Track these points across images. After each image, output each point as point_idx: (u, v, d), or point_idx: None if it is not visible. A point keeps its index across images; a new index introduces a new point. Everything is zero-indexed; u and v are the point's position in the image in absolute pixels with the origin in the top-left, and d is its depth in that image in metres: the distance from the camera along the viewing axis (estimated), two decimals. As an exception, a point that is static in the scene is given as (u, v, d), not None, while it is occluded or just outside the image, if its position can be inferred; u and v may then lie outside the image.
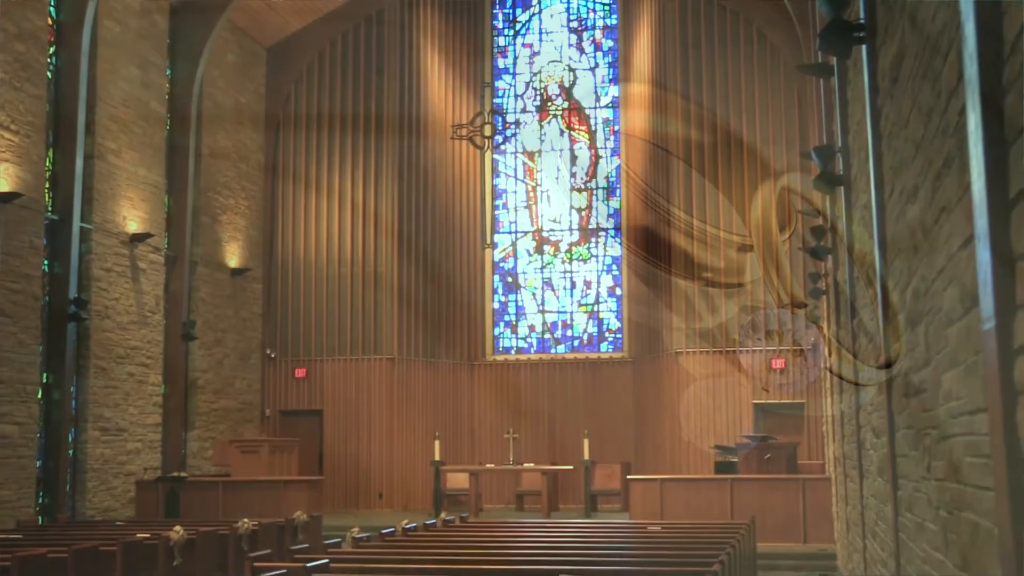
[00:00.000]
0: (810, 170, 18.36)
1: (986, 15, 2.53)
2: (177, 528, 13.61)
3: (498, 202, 29.99)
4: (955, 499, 3.87)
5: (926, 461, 4.79)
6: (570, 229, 29.54)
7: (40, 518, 19.56)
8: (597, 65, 30.00)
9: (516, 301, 29.54)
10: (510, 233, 29.84)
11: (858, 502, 10.73)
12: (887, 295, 6.42)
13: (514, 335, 29.40)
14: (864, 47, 7.02)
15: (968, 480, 3.53)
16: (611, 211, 29.36)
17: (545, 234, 29.62)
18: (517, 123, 30.04)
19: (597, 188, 29.56)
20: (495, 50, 30.43)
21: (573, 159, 29.78)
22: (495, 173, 30.10)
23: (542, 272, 29.53)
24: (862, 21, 6.98)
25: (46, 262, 20.32)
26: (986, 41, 2.53)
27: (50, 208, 20.55)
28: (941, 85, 3.75)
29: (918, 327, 4.88)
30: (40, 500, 19.98)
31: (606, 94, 29.80)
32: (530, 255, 29.67)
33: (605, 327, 29.05)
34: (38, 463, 19.85)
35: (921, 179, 4.48)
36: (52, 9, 20.87)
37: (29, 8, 19.73)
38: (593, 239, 29.41)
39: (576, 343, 29.08)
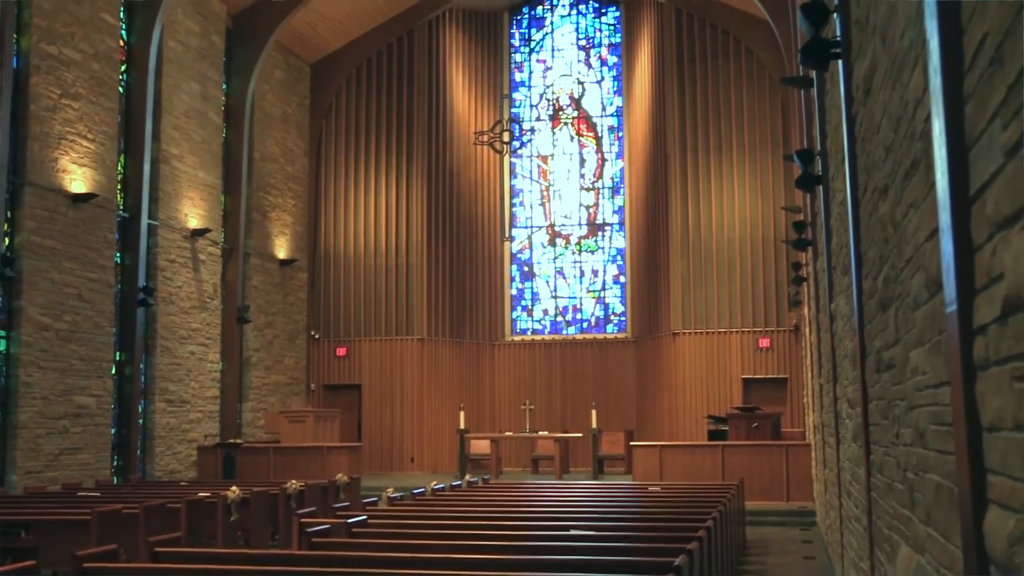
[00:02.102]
0: (793, 171, 18.33)
1: (949, 33, 2.53)
2: (234, 488, 13.67)
3: (515, 200, 29.99)
4: (920, 462, 3.87)
5: (895, 429, 4.78)
6: (579, 224, 29.52)
7: (115, 478, 19.73)
8: (603, 79, 29.94)
9: (531, 288, 29.55)
10: (526, 227, 29.84)
11: (835, 465, 10.72)
12: (861, 282, 6.41)
13: (530, 318, 29.42)
14: (840, 62, 6.99)
15: (932, 445, 3.53)
16: (616, 208, 29.31)
17: (557, 228, 29.60)
18: (532, 130, 30.02)
19: (603, 187, 29.52)
20: (512, 65, 30.39)
21: (582, 162, 29.74)
22: (512, 174, 30.09)
23: (554, 262, 29.53)
24: (838, 39, 6.95)
25: (118, 254, 20.44)
26: (949, 56, 2.52)
27: (121, 207, 20.66)
28: (908, 95, 3.74)
29: (888, 310, 4.87)
30: (115, 463, 20.15)
31: (611, 104, 29.74)
32: (544, 247, 29.66)
33: (611, 311, 29.03)
34: (113, 431, 20.01)
35: (891, 179, 4.46)
36: (123, 32, 20.95)
37: (104, 32, 19.82)
38: (600, 233, 29.38)
39: (585, 325, 29.08)
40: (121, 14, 20.78)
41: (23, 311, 17.52)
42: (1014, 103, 1.99)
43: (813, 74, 11.17)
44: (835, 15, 7.16)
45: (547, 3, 30.31)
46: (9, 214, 17.55)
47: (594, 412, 24.61)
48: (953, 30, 2.52)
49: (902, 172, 4.04)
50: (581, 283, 29.30)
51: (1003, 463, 2.20)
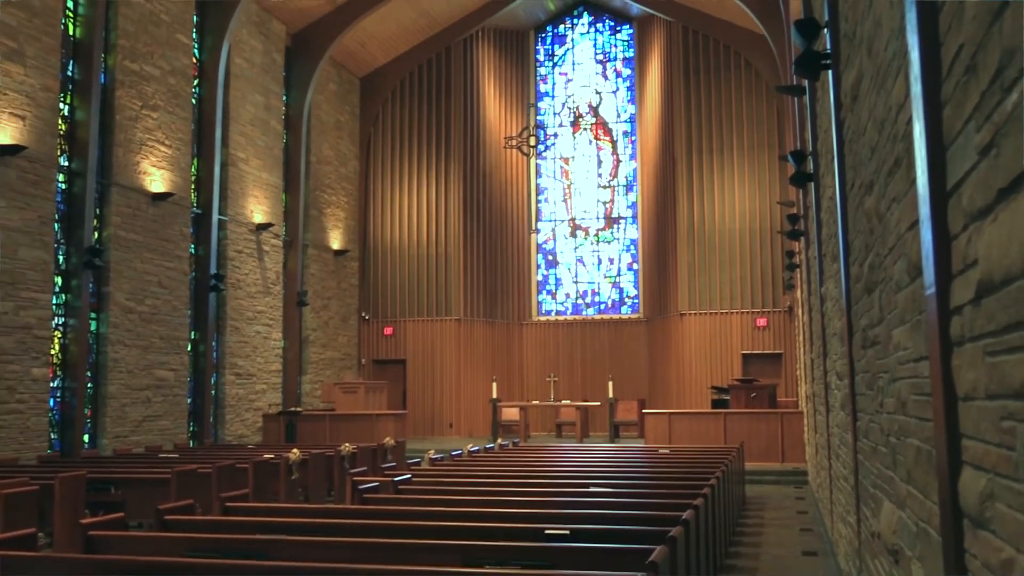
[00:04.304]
0: (787, 170, 18.21)
1: (928, 45, 2.50)
2: (294, 450, 13.78)
3: (540, 197, 29.94)
4: (902, 428, 3.84)
5: (879, 398, 4.75)
6: (597, 217, 29.44)
7: (191, 442, 19.93)
8: (618, 89, 29.80)
9: (555, 274, 29.52)
10: (550, 221, 29.80)
11: (825, 431, 10.67)
12: (848, 268, 6.36)
13: (554, 300, 29.40)
14: (830, 72, 6.92)
15: (912, 413, 3.51)
16: (629, 203, 29.22)
17: (578, 222, 29.54)
18: (555, 135, 29.93)
19: (618, 185, 29.43)
20: (538, 78, 30.31)
21: (599, 163, 29.65)
22: (538, 174, 30.04)
23: (575, 251, 29.49)
24: (828, 51, 6.89)
25: (192, 246, 20.59)
26: (928, 66, 2.50)
27: (195, 204, 20.79)
28: (892, 101, 3.70)
29: (873, 293, 4.83)
30: (191, 428, 20.34)
31: (625, 111, 29.61)
32: (566, 238, 29.62)
33: (625, 294, 28.97)
34: (189, 400, 20.19)
35: (876, 176, 4.42)
36: (196, 51, 21.05)
37: (179, 50, 19.92)
38: (615, 225, 29.30)
39: (602, 307, 29.04)
40: (194, 35, 20.89)
41: (111, 296, 17.70)
42: (987, 107, 1.97)
43: (806, 83, 11.07)
44: (825, 30, 7.09)
45: (568, 22, 30.21)
46: (98, 211, 17.72)
47: (610, 383, 24.61)
48: (932, 42, 2.50)
49: (886, 170, 4.01)
50: (599, 269, 29.25)
51: (976, 429, 2.19)
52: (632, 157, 29.32)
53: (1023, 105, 1.72)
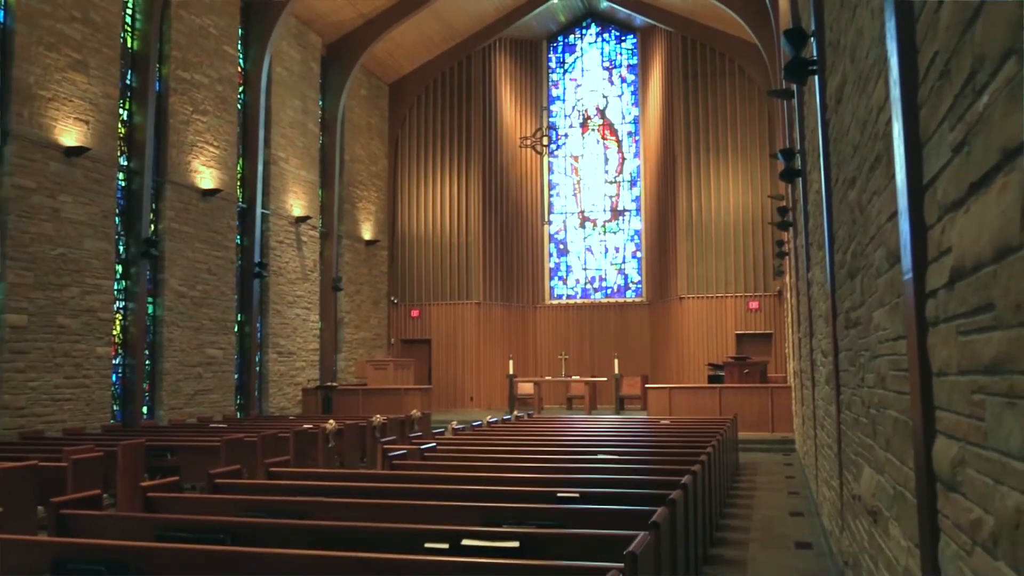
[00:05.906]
0: (777, 166, 18.10)
1: (906, 52, 2.49)
2: (331, 421, 13.85)
3: (552, 191, 29.88)
4: (881, 401, 3.83)
5: (861, 374, 4.74)
6: (604, 210, 29.37)
7: (238, 413, 20.06)
8: (623, 93, 29.67)
9: (566, 262, 29.49)
10: (561, 213, 29.74)
11: (811, 403, 10.64)
12: (833, 255, 6.33)
13: (565, 286, 29.38)
14: (816, 77, 6.88)
15: (891, 387, 3.50)
16: (633, 197, 29.13)
17: (587, 214, 29.48)
18: (566, 135, 29.85)
19: (623, 181, 29.33)
20: (550, 83, 30.20)
21: (606, 160, 29.55)
22: (550, 171, 29.97)
23: (584, 241, 29.44)
24: (815, 58, 6.84)
25: (238, 237, 20.67)
26: (906, 71, 2.49)
27: (240, 199, 20.87)
28: (873, 103, 3.68)
29: (856, 278, 4.82)
30: (237, 401, 20.47)
31: (630, 113, 29.49)
32: (576, 229, 29.56)
33: (629, 280, 28.91)
34: (236, 376, 20.30)
35: (858, 171, 4.40)
36: (241, 60, 21.08)
37: (226, 60, 19.95)
38: (621, 217, 29.22)
39: (609, 291, 29.00)
40: (239, 46, 20.91)
41: (165, 282, 17.81)
42: (960, 109, 1.96)
43: (794, 87, 10.99)
44: (812, 39, 7.03)
45: (577, 33, 30.07)
46: (154, 206, 17.81)
47: (616, 361, 24.59)
48: (910, 49, 2.48)
49: (867, 166, 3.99)
50: (606, 257, 29.19)
51: (949, 401, 2.18)
52: (636, 155, 29.21)
53: (993, 106, 1.71)
